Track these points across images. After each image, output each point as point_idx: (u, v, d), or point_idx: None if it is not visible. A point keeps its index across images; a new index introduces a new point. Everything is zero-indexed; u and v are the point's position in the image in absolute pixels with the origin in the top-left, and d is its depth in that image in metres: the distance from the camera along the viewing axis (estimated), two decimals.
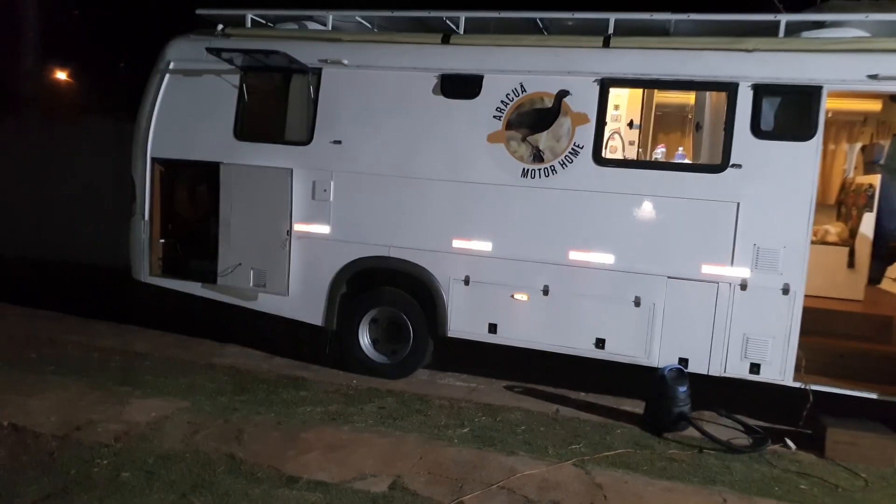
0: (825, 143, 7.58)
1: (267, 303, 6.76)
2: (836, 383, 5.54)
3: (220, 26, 6.88)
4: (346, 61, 6.38)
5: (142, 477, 4.30)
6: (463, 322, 6.22)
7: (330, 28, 6.80)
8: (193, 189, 7.34)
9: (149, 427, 5.03)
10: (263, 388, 6.02)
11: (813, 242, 6.86)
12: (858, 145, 7.40)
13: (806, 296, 6.65)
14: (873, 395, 5.43)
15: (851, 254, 6.80)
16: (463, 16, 6.35)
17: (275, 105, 6.89)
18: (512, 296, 6.08)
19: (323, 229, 6.50)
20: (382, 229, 6.33)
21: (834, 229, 7.05)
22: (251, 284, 6.68)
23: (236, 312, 6.96)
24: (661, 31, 6.10)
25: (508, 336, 6.13)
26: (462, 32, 6.36)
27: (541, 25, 6.36)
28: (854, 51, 5.40)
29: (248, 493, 4.14)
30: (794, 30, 5.78)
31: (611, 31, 5.97)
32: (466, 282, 6.16)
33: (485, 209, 6.09)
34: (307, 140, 6.51)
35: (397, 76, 6.28)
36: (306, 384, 6.20)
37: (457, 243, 6.16)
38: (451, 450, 4.87)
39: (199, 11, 6.93)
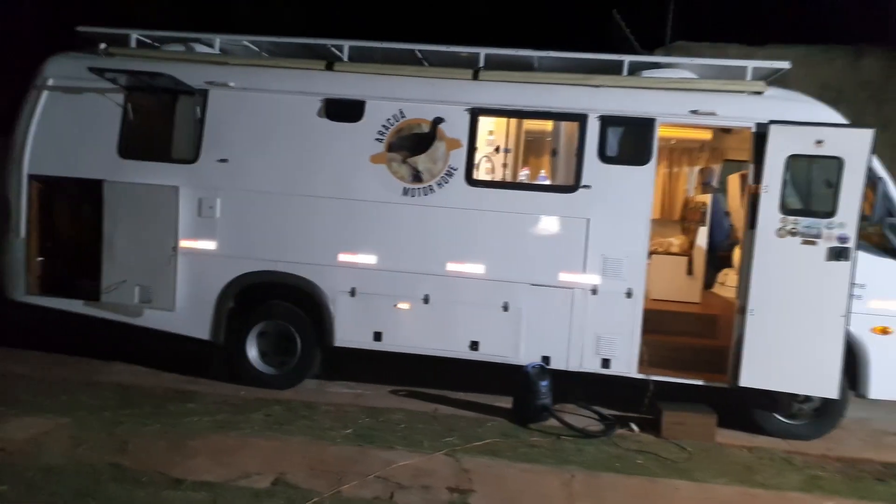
0: (672, 166, 8.72)
1: (153, 319, 6.85)
2: (673, 373, 6.42)
3: (103, 45, 6.96)
4: (233, 84, 6.66)
5: (22, 489, 4.37)
6: (349, 332, 6.62)
7: (217, 51, 7.07)
8: (75, 206, 7.29)
9: (27, 443, 5.06)
10: (150, 403, 6.13)
11: (658, 253, 7.93)
12: (697, 168, 8.52)
13: (653, 299, 7.64)
14: (700, 382, 6.34)
15: (690, 262, 7.82)
16: (347, 44, 6.84)
17: (160, 124, 7.02)
18: (395, 305, 6.56)
19: (209, 245, 6.71)
20: (270, 244, 6.64)
21: (676, 241, 8.08)
22: (136, 301, 6.75)
23: (121, 330, 6.98)
24: (527, 65, 6.85)
25: (392, 343, 6.60)
26: (346, 60, 6.83)
27: (420, 56, 6.94)
28: (680, 90, 6.36)
29: (133, 497, 4.33)
30: (636, 69, 6.70)
31: (481, 64, 6.65)
32: (352, 293, 6.57)
33: (369, 225, 6.55)
34: (193, 158, 6.72)
35: (284, 99, 6.63)
36: (194, 397, 6.36)
37: (343, 257, 6.58)
38: (334, 448, 5.27)
39: (80, 29, 6.98)
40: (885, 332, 6.06)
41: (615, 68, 6.64)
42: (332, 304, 6.59)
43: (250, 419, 5.83)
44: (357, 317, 6.58)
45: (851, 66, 9.45)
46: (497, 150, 7.11)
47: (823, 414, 6.25)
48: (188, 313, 6.76)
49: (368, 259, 6.54)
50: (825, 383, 5.92)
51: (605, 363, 6.40)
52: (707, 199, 7.82)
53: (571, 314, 6.40)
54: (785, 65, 6.40)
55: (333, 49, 6.89)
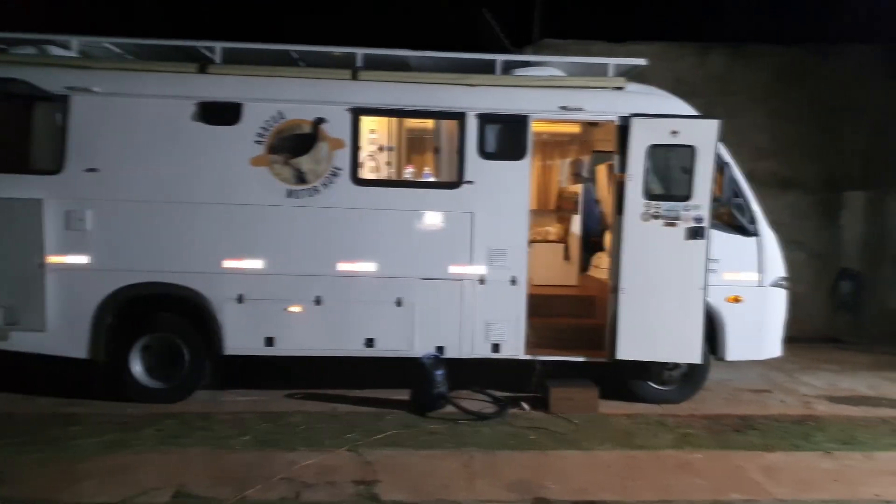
0: (546, 159, 9.21)
1: (22, 341, 6.40)
2: (557, 353, 6.86)
3: None
4: (97, 89, 6.33)
5: None
6: (239, 339, 6.52)
7: (75, 54, 6.68)
8: None
9: None
10: (27, 429, 5.75)
11: (537, 241, 8.39)
12: (568, 161, 9.06)
13: (535, 285, 8.05)
14: (582, 359, 6.82)
15: (567, 249, 8.34)
16: (219, 46, 6.69)
17: (17, 132, 6.56)
18: (286, 309, 6.53)
19: (81, 259, 6.36)
20: (149, 255, 6.39)
21: (553, 229, 8.58)
22: (1, 324, 6.29)
23: None
24: (403, 65, 7.00)
25: (285, 347, 6.57)
26: (219, 62, 6.68)
27: (295, 57, 6.92)
28: (549, 87, 6.77)
29: None
30: (508, 68, 7.04)
31: (359, 64, 6.74)
32: (240, 300, 6.47)
33: (253, 229, 6.47)
34: (57, 169, 6.33)
35: (155, 104, 6.39)
36: (78, 419, 6.03)
37: (228, 263, 6.46)
38: (234, 455, 5.21)
39: None
40: (737, 300, 6.80)
41: (488, 67, 6.95)
42: (219, 313, 6.45)
43: (141, 435, 5.62)
44: (246, 323, 6.49)
45: (700, 61, 10.40)
46: (381, 148, 7.24)
47: (690, 378, 6.92)
48: (62, 332, 6.38)
49: (255, 264, 6.47)
50: (690, 351, 6.56)
51: (496, 348, 6.72)
52: (579, 189, 8.36)
53: (462, 304, 6.66)
54: (642, 62, 6.98)
55: (204, 51, 6.72)
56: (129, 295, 6.41)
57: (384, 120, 7.40)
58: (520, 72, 7.02)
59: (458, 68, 6.91)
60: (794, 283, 10.45)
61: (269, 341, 6.53)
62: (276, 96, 6.50)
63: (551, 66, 7.14)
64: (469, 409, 6.32)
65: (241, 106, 6.45)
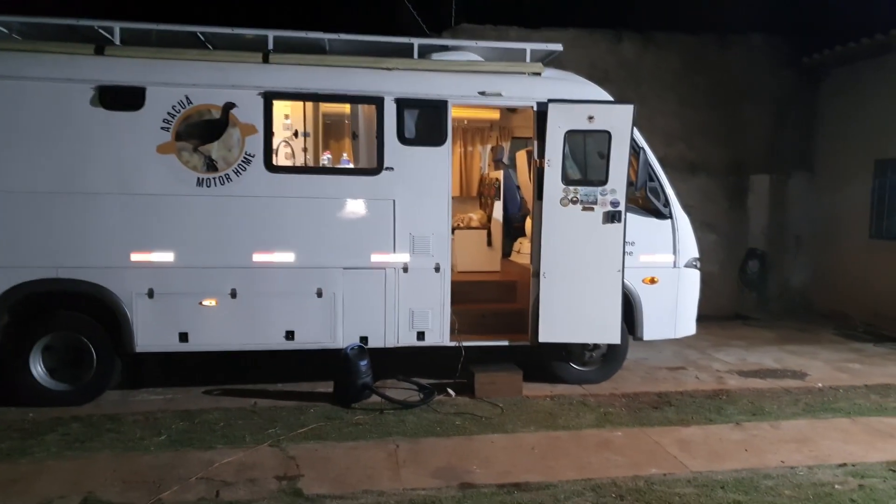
0: (467, 146, 9.20)
1: None
2: (481, 338, 6.89)
3: None
4: None
5: None
6: (151, 335, 6.19)
7: None
8: None
9: None
10: None
11: (460, 228, 8.38)
12: (489, 147, 9.09)
13: (459, 272, 8.07)
14: (505, 343, 6.87)
15: (489, 235, 8.37)
16: (117, 26, 6.28)
17: None
18: (200, 303, 6.25)
19: None
20: (46, 250, 5.96)
21: (476, 216, 8.59)
22: None
23: None
24: (318, 48, 6.80)
25: (200, 342, 6.29)
26: (119, 43, 6.28)
27: (203, 39, 6.59)
28: (468, 72, 6.73)
29: None
30: (426, 51, 6.95)
31: (271, 47, 6.48)
32: (151, 294, 6.15)
33: (163, 220, 6.15)
34: None
35: (47, 87, 5.95)
36: None
37: (136, 257, 6.11)
38: (147, 457, 4.95)
39: None
40: (653, 281, 7.01)
41: (406, 51, 6.85)
42: (128, 308, 6.11)
43: (44, 441, 5.26)
44: (158, 319, 6.17)
45: (613, 48, 10.63)
46: (296, 134, 7.01)
47: (609, 359, 7.10)
48: None
49: (165, 256, 6.15)
50: (609, 331, 6.72)
51: (421, 336, 6.68)
52: (500, 175, 8.40)
53: (385, 293, 6.57)
54: (558, 47, 7.04)
55: (102, 31, 6.29)
56: (24, 293, 5.97)
57: (300, 105, 7.18)
58: (438, 56, 6.95)
59: (374, 51, 6.78)
60: (706, 263, 10.99)
61: (184, 337, 6.24)
62: (182, 80, 6.17)
63: (469, 50, 7.11)
64: (394, 398, 6.26)
65: (145, 90, 6.09)
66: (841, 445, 5.40)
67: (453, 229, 8.37)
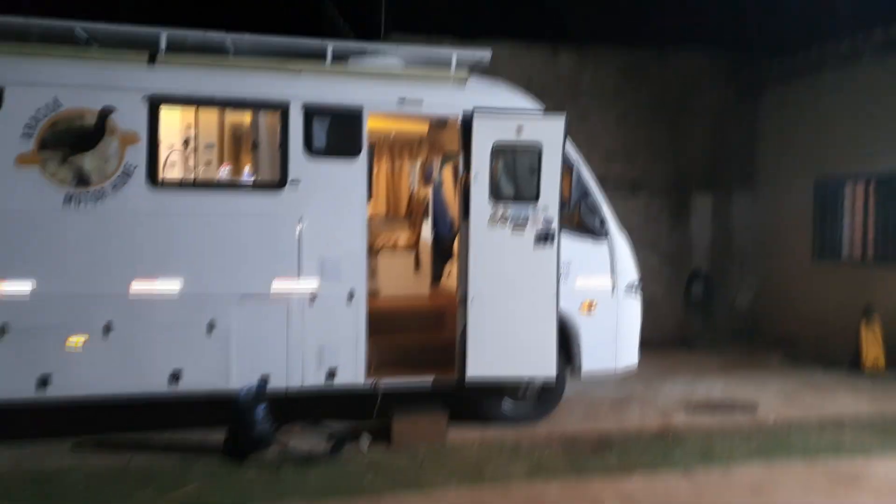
0: (394, 161, 8.48)
1: None
2: (403, 375, 6.10)
3: None
4: None
5: None
6: (3, 381, 5.19)
7: None
8: None
9: None
10: None
11: (385, 249, 7.63)
12: (418, 163, 8.39)
13: (383, 297, 7.31)
14: (429, 380, 6.11)
15: (418, 257, 7.65)
16: None
17: None
18: (66, 340, 5.30)
19: None
20: None
21: (403, 236, 7.86)
22: None
23: None
24: (219, 49, 6.00)
25: (65, 388, 5.31)
26: None
27: (85, 36, 5.71)
28: (386, 77, 6.04)
29: None
30: (342, 56, 6.22)
31: (163, 46, 5.64)
32: (3, 330, 5.17)
33: (20, 242, 5.21)
34: None
35: None
36: None
37: None
38: None
39: None
40: (591, 307, 6.38)
41: (319, 55, 6.11)
42: None
43: None
44: (12, 360, 5.19)
45: (550, 62, 10.15)
46: (186, 144, 6.15)
47: (546, 395, 6.40)
48: None
49: (22, 285, 5.20)
50: (544, 365, 6.04)
51: (331, 375, 5.85)
52: (429, 192, 7.71)
53: (289, 326, 5.74)
54: (485, 54, 6.41)
55: None
56: None
57: (205, 114, 6.31)
58: (356, 61, 6.25)
59: (283, 55, 6.03)
60: (650, 284, 10.50)
61: (44, 382, 5.26)
62: (50, 80, 5.30)
63: (391, 55, 6.42)
64: (296, 449, 5.41)
65: (3, 91, 5.18)
66: (800, 497, 4.81)
67: (376, 251, 7.67)
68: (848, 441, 5.99)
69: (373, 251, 7.68)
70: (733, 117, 10.75)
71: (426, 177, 8.03)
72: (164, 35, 5.69)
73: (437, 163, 8.22)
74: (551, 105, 10.03)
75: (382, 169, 8.28)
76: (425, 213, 7.70)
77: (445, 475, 5.10)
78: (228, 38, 5.92)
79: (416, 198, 8.24)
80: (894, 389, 7.71)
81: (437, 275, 7.71)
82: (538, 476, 5.11)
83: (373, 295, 7.53)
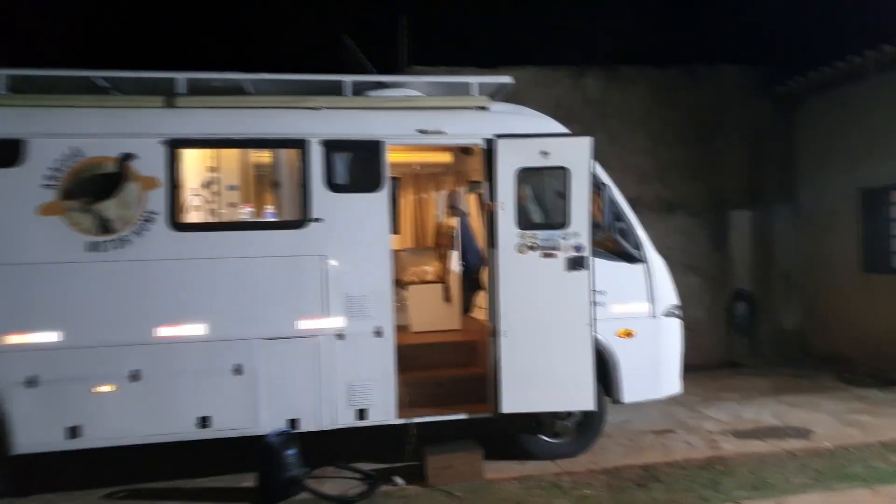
0: (420, 192, 8.38)
1: None
2: (436, 411, 5.89)
3: None
4: None
5: None
6: (34, 432, 5.14)
7: None
8: None
9: None
10: None
11: (414, 283, 7.49)
12: (444, 193, 8.27)
13: (414, 332, 7.16)
14: (463, 416, 5.88)
15: (447, 289, 7.48)
16: (2, 73, 5.45)
17: None
18: (93, 389, 5.25)
19: None
20: None
21: (431, 268, 7.72)
22: None
23: None
24: (238, 91, 6.02)
25: (95, 437, 5.25)
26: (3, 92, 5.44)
27: (105, 85, 5.79)
28: (404, 108, 5.96)
29: None
30: (361, 90, 6.19)
31: (181, 90, 5.68)
32: (32, 383, 5.14)
33: (45, 293, 5.20)
34: None
35: None
36: None
37: (13, 339, 5.13)
38: None
39: None
40: (629, 335, 6.11)
41: (337, 90, 6.08)
42: (2, 402, 5.09)
43: None
44: (42, 412, 5.14)
45: (576, 85, 9.98)
46: (208, 186, 6.12)
47: (585, 427, 6.12)
48: None
49: (49, 336, 5.17)
50: (581, 396, 5.78)
51: (362, 414, 5.68)
52: (456, 222, 7.57)
53: (317, 366, 5.61)
54: (507, 79, 6.32)
55: None
56: None
57: (227, 155, 6.30)
58: (374, 94, 6.20)
59: (302, 92, 6.01)
60: (690, 308, 10.12)
61: (73, 432, 5.21)
62: (70, 130, 5.33)
63: (409, 87, 6.35)
64: (328, 493, 5.24)
65: (24, 143, 5.23)
66: None
67: (406, 285, 7.53)
68: None
69: (401, 285, 7.56)
70: (770, 131, 10.39)
71: (452, 206, 7.89)
72: (182, 78, 5.72)
73: (463, 192, 8.10)
74: (580, 128, 9.86)
75: (409, 201, 8.19)
76: (452, 244, 7.55)
77: None
78: (247, 79, 5.94)
79: (443, 228, 8.10)
80: None
81: (467, 306, 7.51)
82: None
83: (403, 329, 7.41)
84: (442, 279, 7.59)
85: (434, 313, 7.35)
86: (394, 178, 8.35)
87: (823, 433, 6.55)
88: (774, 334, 10.34)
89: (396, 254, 8.30)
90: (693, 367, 9.59)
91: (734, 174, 10.26)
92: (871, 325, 9.17)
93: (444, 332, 7.23)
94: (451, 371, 6.42)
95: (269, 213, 6.13)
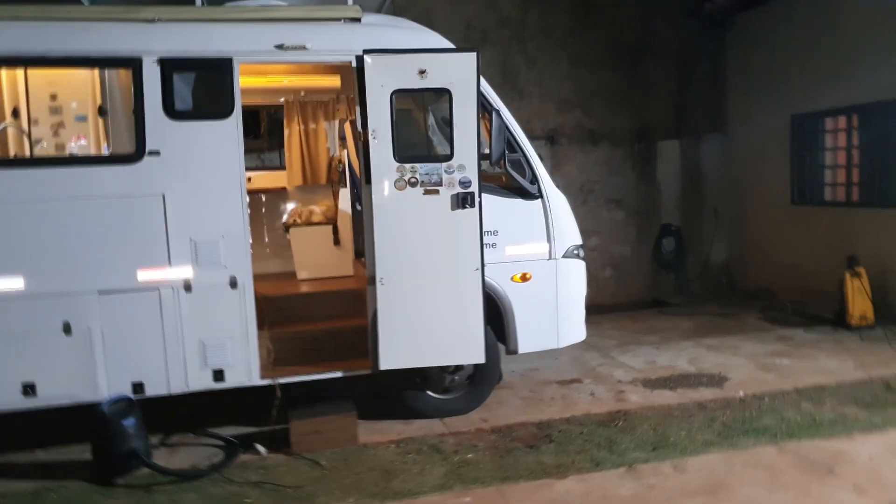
0: (308, 123, 7.49)
1: None
2: (305, 370, 5.25)
3: None
4: None
5: None
6: None
7: None
8: None
9: None
10: None
11: (298, 224, 6.73)
12: (337, 122, 7.41)
13: (302, 280, 6.46)
14: (339, 374, 5.26)
15: (336, 231, 6.74)
16: None
17: None
18: None
19: None
20: None
21: (319, 209, 6.94)
22: None
23: None
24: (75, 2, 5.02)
25: None
26: None
27: None
28: (261, 20, 5.06)
29: None
30: (217, 1, 5.26)
31: None
32: None
33: None
34: None
35: None
36: None
37: None
38: None
39: None
40: (525, 278, 5.51)
41: (188, 3, 5.14)
42: None
43: None
44: None
45: (489, 3, 9.04)
46: (15, 114, 5.16)
47: (478, 381, 5.56)
48: None
49: None
50: (470, 348, 5.19)
51: (219, 376, 5.00)
52: (344, 155, 6.76)
53: (162, 322, 4.86)
54: None
55: None
56: None
57: (44, 77, 5.30)
58: (231, 5, 5.26)
59: (148, 4, 5.03)
60: (614, 245, 9.63)
61: None
62: None
63: None
64: (168, 468, 4.58)
65: None
66: (765, 495, 3.99)
67: (288, 227, 6.77)
68: (828, 416, 5.16)
69: (286, 228, 6.81)
70: (698, 55, 9.70)
71: (342, 137, 7.05)
72: None
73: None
74: (496, 53, 9.08)
75: (295, 133, 7.31)
76: (342, 180, 6.77)
77: (347, 487, 4.31)
78: None
79: (335, 163, 7.29)
80: (883, 348, 6.86)
81: (360, 249, 6.79)
82: (454, 486, 4.29)
83: (285, 278, 6.71)
84: (331, 220, 6.84)
85: (322, 259, 6.63)
86: (276, 107, 7.52)
87: (738, 380, 6.14)
88: (702, 270, 9.94)
89: (283, 193, 7.54)
90: (616, 306, 9.24)
91: (661, 102, 9.61)
92: (799, 259, 8.80)
93: (332, 280, 6.53)
94: (330, 324, 5.73)
95: (78, 143, 5.20)
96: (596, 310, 8.45)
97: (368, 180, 5.03)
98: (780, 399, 5.59)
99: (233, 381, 5.02)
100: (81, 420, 4.71)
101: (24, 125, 5.03)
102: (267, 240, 7.56)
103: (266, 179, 7.59)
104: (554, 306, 5.58)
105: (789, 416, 5.18)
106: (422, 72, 4.94)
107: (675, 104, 9.69)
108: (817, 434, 4.83)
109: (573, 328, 5.75)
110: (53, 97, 5.27)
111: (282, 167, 7.49)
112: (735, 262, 10.00)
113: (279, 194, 7.50)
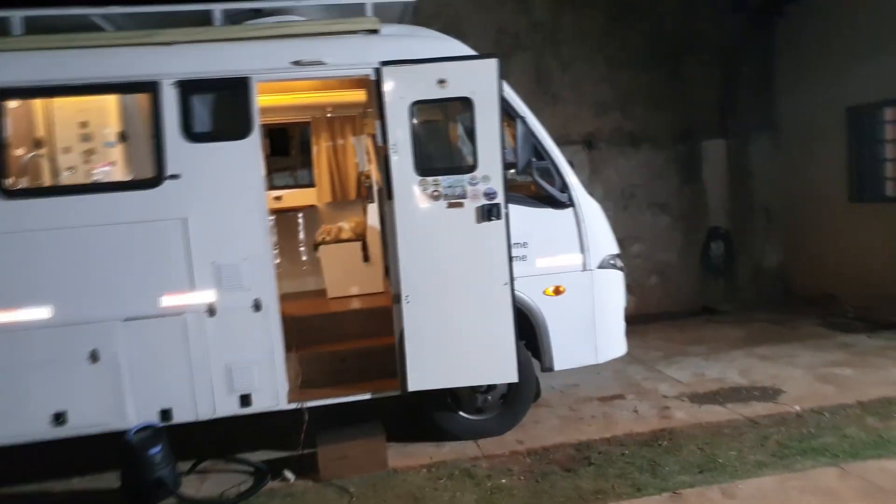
0: (336, 139, 7.41)
1: None
2: (333, 393, 5.11)
3: None
4: None
5: None
6: None
7: None
8: None
9: None
10: None
11: (327, 242, 6.64)
12: (364, 137, 7.30)
13: (332, 298, 6.36)
14: (367, 396, 5.10)
15: (365, 248, 6.62)
16: None
17: None
18: None
19: None
20: None
21: (347, 225, 6.84)
22: None
23: None
24: (89, 28, 5.05)
25: None
26: None
27: None
28: (276, 37, 4.98)
29: None
30: (234, 20, 5.20)
31: (17, 31, 4.74)
32: None
33: None
34: None
35: None
36: None
37: None
38: None
39: None
40: (558, 292, 5.25)
41: (207, 22, 5.09)
42: None
43: None
44: None
45: (521, 7, 8.82)
46: (39, 144, 5.18)
47: (512, 401, 5.32)
48: None
49: None
50: (502, 367, 4.97)
51: (245, 400, 4.90)
52: (371, 170, 6.63)
53: (188, 347, 4.80)
54: None
55: None
56: None
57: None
58: (247, 24, 5.21)
59: (167, 26, 5.02)
60: (659, 251, 9.23)
61: None
62: None
63: (294, 13, 5.35)
64: (193, 496, 4.50)
65: None
66: None
67: (317, 245, 6.69)
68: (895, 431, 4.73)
69: (315, 246, 6.73)
70: (744, 50, 9.22)
71: (368, 152, 6.93)
72: (18, 16, 4.78)
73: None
74: (529, 57, 8.84)
75: (323, 149, 7.24)
76: (368, 196, 6.65)
77: None
78: (98, 13, 4.98)
79: (363, 178, 7.17)
80: None
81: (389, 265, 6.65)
82: None
83: (316, 297, 6.62)
84: (360, 237, 6.72)
85: (351, 276, 6.52)
86: (305, 124, 7.47)
87: (794, 393, 5.72)
88: (754, 275, 9.43)
89: (313, 211, 7.48)
90: (662, 315, 8.84)
91: (704, 100, 9.16)
92: (861, 260, 8.24)
93: (361, 298, 6.41)
94: (359, 343, 5.59)
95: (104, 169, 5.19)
96: (640, 319, 8.19)
97: (390, 195, 4.88)
98: (841, 414, 5.18)
99: (260, 405, 4.93)
100: (115, 445, 4.70)
101: (50, 153, 5.06)
102: (303, 258, 7.54)
103: (297, 197, 7.57)
104: (591, 320, 5.30)
105: (852, 434, 4.78)
106: (441, 81, 4.78)
107: (719, 102, 9.25)
108: (884, 454, 4.42)
109: (612, 342, 5.45)
110: (83, 125, 5.31)
111: (312, 185, 7.43)
112: (789, 265, 9.45)
113: (311, 212, 7.46)
